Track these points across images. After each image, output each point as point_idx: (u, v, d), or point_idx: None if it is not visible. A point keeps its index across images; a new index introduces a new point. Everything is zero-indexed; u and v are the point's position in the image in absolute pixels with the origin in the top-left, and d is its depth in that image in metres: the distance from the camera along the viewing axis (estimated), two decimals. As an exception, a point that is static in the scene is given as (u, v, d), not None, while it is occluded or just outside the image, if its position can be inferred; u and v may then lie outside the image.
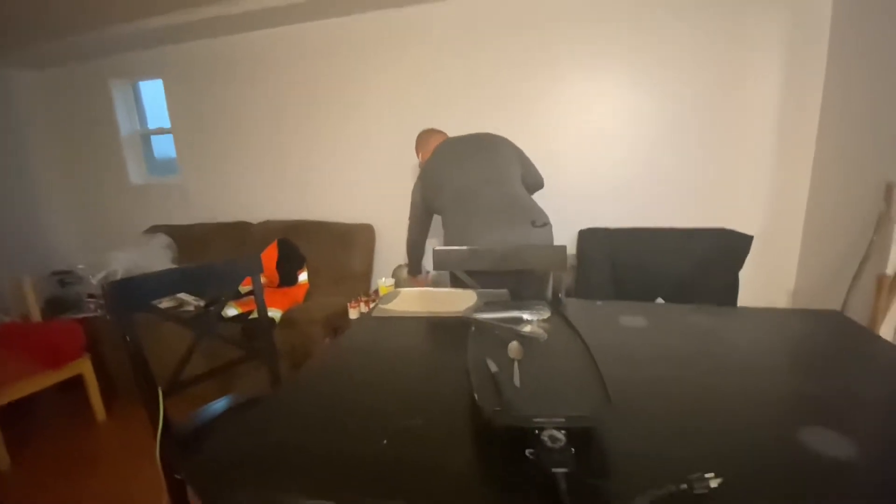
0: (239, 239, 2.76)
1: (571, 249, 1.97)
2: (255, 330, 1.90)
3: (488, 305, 1.10)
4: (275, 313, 2.03)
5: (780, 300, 2.15)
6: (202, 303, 2.29)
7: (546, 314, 1.01)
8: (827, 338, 0.99)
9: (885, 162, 1.58)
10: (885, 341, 1.00)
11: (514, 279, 1.53)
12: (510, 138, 1.83)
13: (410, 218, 1.95)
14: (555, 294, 1.40)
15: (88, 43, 2.73)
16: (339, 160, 2.72)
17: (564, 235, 1.80)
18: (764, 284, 2.08)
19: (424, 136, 2.04)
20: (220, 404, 1.33)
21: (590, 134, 2.25)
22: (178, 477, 1.08)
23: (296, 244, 2.47)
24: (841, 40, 1.87)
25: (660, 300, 1.44)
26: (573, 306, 1.24)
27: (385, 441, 0.63)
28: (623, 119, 2.21)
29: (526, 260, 1.45)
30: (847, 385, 0.77)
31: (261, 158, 2.89)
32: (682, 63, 2.08)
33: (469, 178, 1.72)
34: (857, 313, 1.61)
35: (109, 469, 1.81)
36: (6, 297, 2.30)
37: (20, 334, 2.00)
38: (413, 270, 2.14)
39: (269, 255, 2.39)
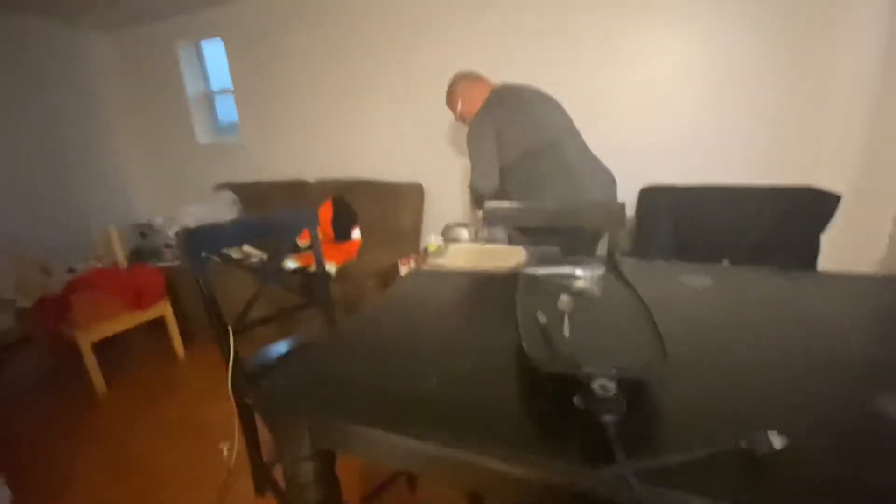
0: (297, 196, 2.87)
1: (630, 210, 1.87)
2: (313, 281, 2.01)
3: (540, 261, 1.08)
4: (330, 267, 2.12)
5: (870, 266, 1.94)
6: (265, 255, 2.43)
7: (600, 271, 0.98)
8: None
9: None
10: None
11: (567, 238, 1.48)
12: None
13: (479, 161, 1.71)
14: (611, 253, 1.35)
15: (155, 3, 2.84)
16: (390, 120, 2.72)
17: (623, 194, 1.71)
18: (849, 250, 1.87)
19: (467, 84, 1.83)
20: (282, 345, 1.44)
21: (654, 83, 2.07)
22: (248, 402, 1.19)
23: (349, 202, 2.54)
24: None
25: (725, 262, 1.34)
26: (630, 265, 1.19)
27: (434, 379, 0.65)
28: (690, 64, 1.99)
29: (581, 217, 1.40)
30: (944, 356, 0.69)
31: (317, 118, 2.94)
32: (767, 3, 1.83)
33: (547, 129, 1.65)
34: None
35: (188, 397, 2.03)
36: (97, 247, 2.56)
37: (110, 279, 2.24)
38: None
39: (325, 212, 2.47)
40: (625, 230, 1.41)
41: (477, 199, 1.83)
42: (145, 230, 3.00)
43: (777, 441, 0.48)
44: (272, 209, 2.85)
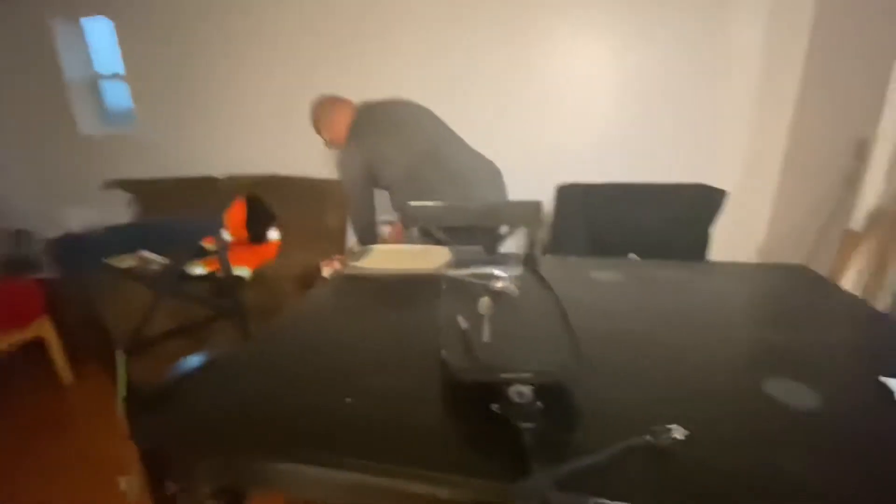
0: (205, 194, 2.62)
1: (549, 205, 1.95)
2: (223, 288, 1.85)
3: (461, 262, 1.07)
4: (243, 271, 1.96)
5: (750, 255, 2.20)
6: (167, 261, 2.20)
7: (518, 270, 0.99)
8: (792, 291, 1.01)
9: (858, 119, 1.58)
10: (848, 293, 1.02)
11: (488, 236, 1.50)
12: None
13: (353, 197, 1.77)
14: (529, 250, 1.39)
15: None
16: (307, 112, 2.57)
17: (542, 191, 1.77)
18: (735, 240, 2.12)
19: (325, 110, 1.80)
20: (191, 362, 1.30)
21: (569, 88, 2.17)
22: (134, 441, 1.06)
23: (264, 200, 2.37)
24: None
25: (633, 256, 1.44)
26: (547, 263, 1.22)
27: (348, 399, 0.61)
28: (603, 73, 2.13)
29: (500, 216, 1.42)
30: (811, 336, 0.79)
31: (227, 108, 2.70)
32: (664, 15, 1.99)
33: (422, 141, 1.64)
34: (823, 267, 1.66)
35: (79, 428, 1.78)
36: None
37: (-28, 295, 1.89)
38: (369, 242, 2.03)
39: (237, 212, 2.29)
40: (542, 227, 1.46)
41: (358, 234, 1.87)
42: (20, 237, 2.59)
43: (678, 433, 0.51)
44: (176, 209, 2.59)
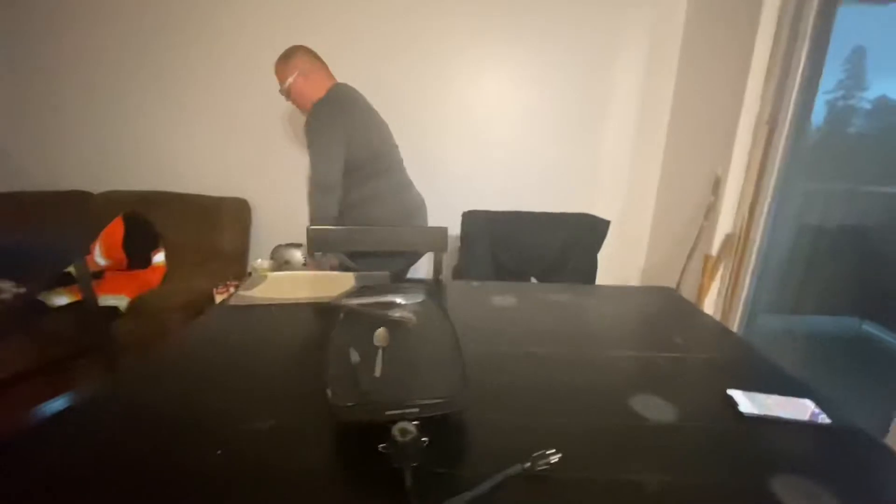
0: (76, 212, 2.29)
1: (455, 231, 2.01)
2: (92, 321, 1.61)
3: (362, 290, 1.05)
4: (119, 300, 1.73)
5: (633, 278, 2.46)
6: (23, 290, 1.87)
7: (420, 297, 0.99)
8: (659, 312, 1.13)
9: (715, 158, 1.86)
10: (706, 315, 1.18)
11: (403, 260, 1.50)
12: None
13: (322, 181, 1.48)
14: (435, 275, 1.40)
15: None
16: (206, 122, 2.39)
17: (450, 218, 1.82)
18: (620, 264, 2.36)
19: (310, 61, 1.59)
20: (49, 407, 1.10)
21: (472, 121, 2.29)
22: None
23: (148, 219, 2.13)
24: (690, 46, 2.13)
25: (533, 280, 1.53)
26: (453, 288, 1.25)
27: (219, 451, 0.55)
28: (503, 108, 2.29)
29: (407, 241, 1.42)
30: (671, 354, 0.88)
31: (103, 115, 2.40)
32: (557, 59, 2.20)
33: (387, 142, 1.62)
34: (689, 290, 1.90)
35: None
36: None
37: None
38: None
39: (114, 232, 2.03)
40: (446, 253, 1.49)
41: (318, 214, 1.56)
42: None
43: (553, 457, 0.54)
44: (37, 229, 2.22)
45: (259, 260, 2.12)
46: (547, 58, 2.20)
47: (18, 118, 2.44)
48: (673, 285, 1.94)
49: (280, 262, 2.17)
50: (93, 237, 2.04)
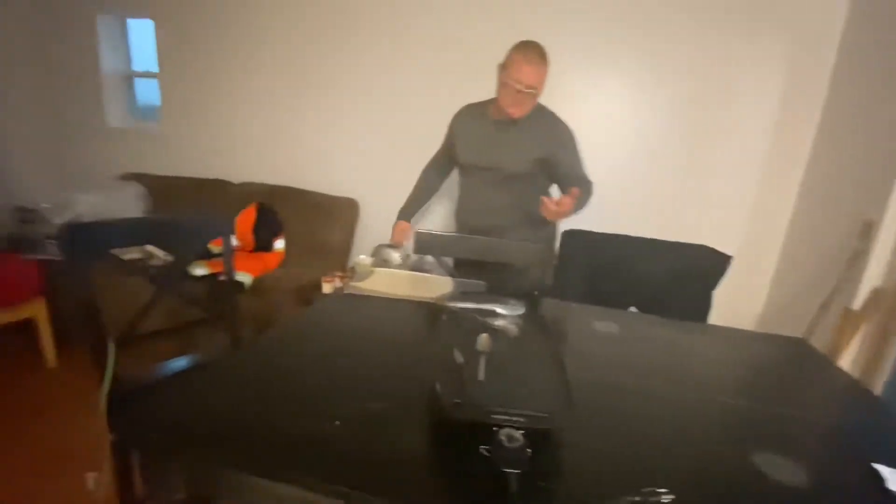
0: (217, 197, 2.66)
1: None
2: (221, 292, 1.85)
3: (463, 295, 1.08)
4: (245, 277, 1.97)
5: (747, 322, 2.20)
6: (171, 258, 2.21)
7: (520, 310, 0.99)
8: (789, 364, 1.00)
9: (866, 200, 1.61)
10: (845, 373, 1.02)
11: (496, 272, 1.51)
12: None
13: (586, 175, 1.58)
14: (531, 292, 1.39)
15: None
16: (329, 128, 2.63)
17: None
18: (733, 305, 2.12)
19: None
20: (175, 364, 1.29)
21: (583, 138, 2.23)
22: (113, 436, 1.04)
23: (275, 210, 2.40)
24: (844, 75, 1.88)
25: (633, 308, 1.45)
26: (549, 306, 1.23)
27: (338, 422, 0.60)
28: (617, 126, 2.19)
29: (509, 254, 1.43)
30: (804, 412, 0.78)
31: (249, 116, 2.77)
32: (678, 73, 2.06)
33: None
34: (820, 343, 1.65)
35: (55, 416, 1.74)
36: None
37: (-29, 268, 1.90)
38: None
39: (247, 218, 2.31)
40: (549, 271, 1.47)
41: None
42: (27, 215, 2.60)
43: (666, 498, 0.51)
44: (185, 209, 2.61)
45: (362, 256, 2.26)
46: (669, 77, 2.08)
47: (184, 115, 2.91)
48: (798, 336, 1.70)
49: (379, 261, 2.30)
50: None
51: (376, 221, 2.64)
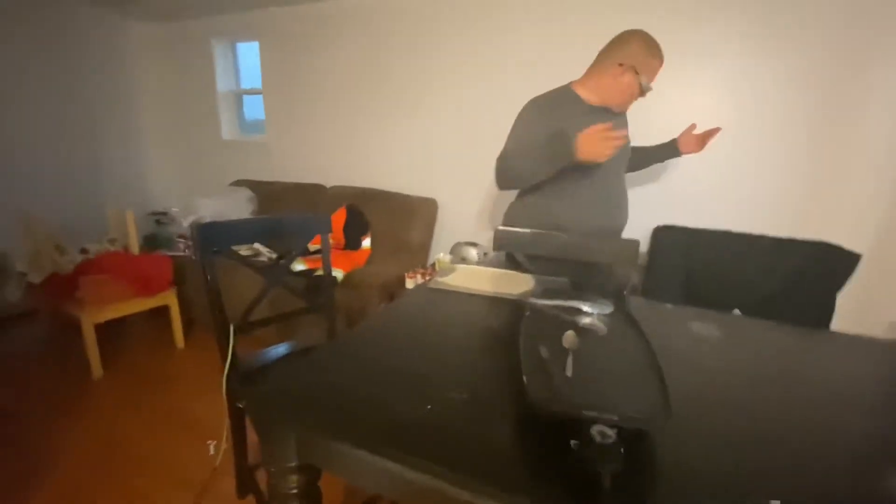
0: (312, 199, 2.89)
1: (643, 247, 1.85)
2: (318, 285, 2.01)
3: (546, 292, 1.07)
4: (338, 273, 2.12)
5: (880, 331, 1.89)
6: (275, 255, 2.45)
7: (608, 309, 0.96)
8: (938, 380, 0.86)
9: None
10: None
11: (577, 269, 1.47)
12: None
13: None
14: (619, 290, 1.33)
15: (196, 1, 2.94)
16: (410, 133, 2.75)
17: (638, 231, 1.69)
18: (862, 310, 1.84)
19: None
20: (281, 348, 1.43)
21: (677, 123, 2.07)
22: (239, 405, 1.18)
23: (362, 211, 2.55)
24: None
25: (737, 311, 1.32)
26: (638, 305, 1.17)
27: (429, 406, 0.64)
28: (717, 110, 1.99)
29: (593, 251, 1.39)
30: (959, 436, 0.66)
31: (340, 125, 2.99)
32: (791, 50, 1.83)
33: None
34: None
35: (182, 390, 2.02)
36: (111, 229, 2.60)
37: (121, 263, 2.26)
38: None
39: (338, 218, 2.49)
40: (637, 268, 1.39)
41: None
42: (161, 218, 3.05)
43: (778, 511, 0.47)
44: (286, 210, 2.88)
45: (441, 254, 2.33)
46: (776, 47, 1.84)
47: (283, 125, 3.20)
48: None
49: (458, 258, 2.35)
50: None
51: (454, 220, 2.70)
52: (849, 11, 1.73)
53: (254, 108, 3.53)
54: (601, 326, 0.87)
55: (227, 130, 3.51)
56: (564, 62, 2.21)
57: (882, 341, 1.01)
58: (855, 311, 1.80)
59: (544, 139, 1.32)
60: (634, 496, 0.49)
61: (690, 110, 2.01)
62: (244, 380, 1.21)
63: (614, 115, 1.46)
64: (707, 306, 1.34)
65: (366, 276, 2.16)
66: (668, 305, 1.11)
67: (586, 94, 1.43)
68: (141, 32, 3.46)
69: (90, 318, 2.02)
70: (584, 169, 1.33)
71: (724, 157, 1.98)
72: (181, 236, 2.71)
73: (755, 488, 0.49)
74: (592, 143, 1.18)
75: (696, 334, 0.96)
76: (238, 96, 3.54)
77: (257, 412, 0.67)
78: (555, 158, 1.27)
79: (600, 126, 1.18)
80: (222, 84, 3.42)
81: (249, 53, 3.34)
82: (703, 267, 1.36)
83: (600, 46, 1.42)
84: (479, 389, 0.70)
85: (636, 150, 1.57)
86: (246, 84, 3.49)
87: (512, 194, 1.62)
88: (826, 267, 1.26)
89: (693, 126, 1.37)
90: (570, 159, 1.23)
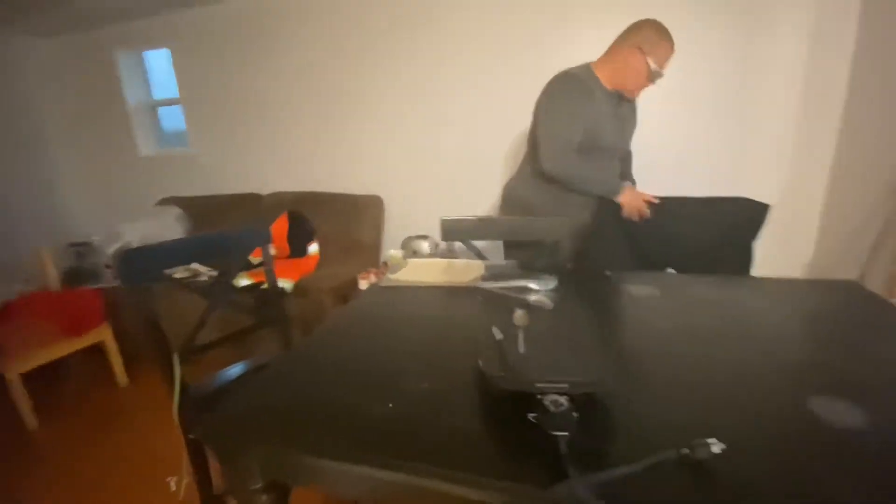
0: (250, 210, 2.77)
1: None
2: (267, 299, 1.94)
3: (496, 276, 1.09)
4: (286, 283, 2.05)
5: (797, 272, 2.11)
6: (215, 273, 2.33)
7: (553, 284, 1.00)
8: (842, 308, 0.97)
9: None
10: (903, 311, 0.98)
11: (530, 249, 1.51)
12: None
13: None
14: (563, 264, 1.39)
15: (94, 10, 2.69)
16: (347, 131, 2.69)
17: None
18: (780, 255, 2.03)
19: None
20: (236, 369, 1.37)
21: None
22: (192, 436, 1.13)
23: (306, 215, 2.48)
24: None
25: (670, 270, 1.42)
26: (583, 276, 1.23)
27: (391, 404, 0.64)
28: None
29: (534, 231, 1.43)
30: (861, 355, 0.76)
31: (271, 129, 2.86)
32: (707, 22, 1.96)
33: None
34: (875, 285, 1.57)
35: (133, 428, 1.89)
36: (27, 268, 2.36)
37: (42, 303, 2.07)
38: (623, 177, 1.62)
39: (280, 227, 2.40)
40: (574, 241, 1.46)
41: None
42: (82, 249, 2.80)
43: (716, 447, 0.51)
44: (223, 225, 2.74)
45: (392, 250, 2.32)
46: (694, 20, 1.96)
47: (209, 136, 3.03)
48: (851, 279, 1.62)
49: (410, 252, 2.35)
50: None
51: (402, 216, 2.69)
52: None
53: (173, 119, 3.30)
54: (548, 301, 0.90)
55: (145, 146, 3.27)
56: (500, 53, 2.26)
57: (798, 280, 1.13)
58: (775, 257, 1.99)
59: (593, 170, 1.47)
60: (592, 453, 0.53)
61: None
62: (198, 408, 1.15)
63: (626, 101, 1.54)
64: (648, 268, 1.43)
65: (317, 282, 2.11)
66: (609, 272, 1.17)
67: (603, 78, 1.48)
68: (32, 48, 3.12)
69: (14, 369, 1.84)
70: (590, 149, 1.46)
71: (654, 128, 2.10)
72: (108, 266, 2.52)
73: (699, 431, 0.54)
74: (636, 203, 1.42)
75: (636, 296, 1.02)
76: (153, 108, 3.29)
77: (213, 440, 0.64)
78: (599, 195, 1.47)
79: (647, 195, 1.44)
80: (132, 97, 3.16)
81: (160, 61, 3.11)
82: (641, 231, 1.44)
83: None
84: (440, 378, 0.71)
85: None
86: (163, 94, 3.25)
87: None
88: (742, 219, 1.38)
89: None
90: (613, 205, 1.46)
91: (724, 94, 2.02)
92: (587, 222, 1.51)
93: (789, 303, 1.00)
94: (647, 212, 1.43)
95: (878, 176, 1.66)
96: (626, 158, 1.71)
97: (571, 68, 1.50)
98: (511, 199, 1.65)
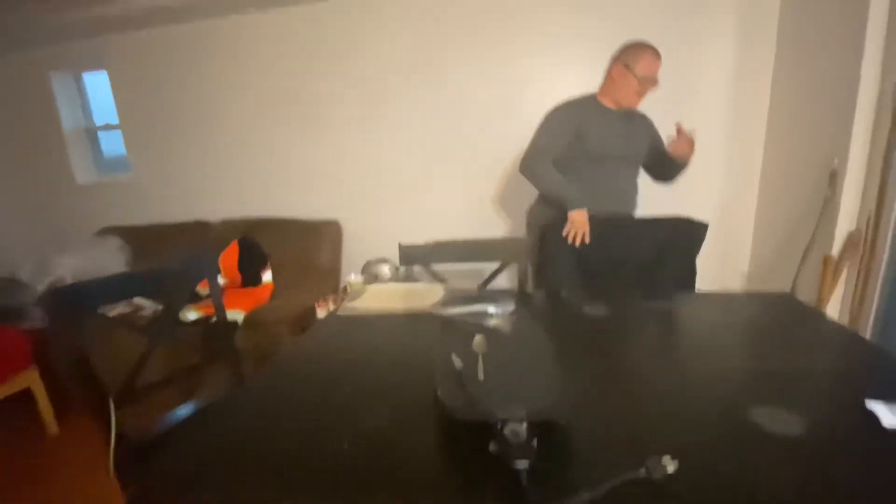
0: (198, 239, 2.64)
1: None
2: (215, 333, 1.84)
3: (455, 300, 1.09)
4: (237, 315, 1.96)
5: (735, 283, 2.25)
6: (160, 307, 2.19)
7: (511, 307, 1.01)
8: (777, 319, 1.03)
9: (829, 149, 1.66)
10: (831, 321, 1.06)
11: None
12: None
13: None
14: (520, 286, 1.41)
15: (27, 30, 2.54)
16: (299, 154, 2.65)
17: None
18: (720, 269, 2.17)
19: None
20: (182, 410, 1.28)
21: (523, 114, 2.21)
22: (128, 494, 1.03)
23: (258, 243, 2.39)
24: (789, 27, 1.95)
25: (620, 289, 1.48)
26: (538, 298, 1.25)
27: (346, 446, 0.61)
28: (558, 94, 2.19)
29: (490, 253, 1.45)
30: (795, 364, 0.81)
31: (218, 154, 2.77)
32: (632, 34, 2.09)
33: None
34: (806, 294, 1.70)
35: (63, 481, 1.71)
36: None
37: (-42, 348, 1.86)
38: (575, 202, 1.54)
39: (230, 255, 2.30)
40: (531, 263, 1.49)
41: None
42: (7, 285, 2.56)
43: (670, 465, 0.52)
44: (168, 254, 2.59)
45: (352, 275, 2.27)
46: (628, 25, 2.08)
47: (152, 162, 2.89)
48: (785, 290, 1.75)
49: (371, 276, 2.31)
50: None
51: (360, 240, 2.65)
52: (675, 18, 2.04)
53: (114, 144, 3.12)
54: (506, 326, 0.91)
55: (82, 173, 3.07)
56: (457, 74, 2.30)
57: (736, 294, 1.20)
58: (716, 271, 2.12)
59: (560, 179, 1.57)
60: (552, 480, 0.52)
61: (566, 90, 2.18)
62: (138, 458, 1.06)
63: (637, 117, 1.68)
64: (599, 287, 1.48)
65: (271, 312, 2.03)
66: (563, 292, 1.20)
67: (606, 101, 1.63)
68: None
69: (-80, 424, 1.63)
70: (598, 163, 1.61)
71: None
72: (37, 304, 2.31)
73: (653, 448, 0.55)
74: (580, 221, 1.49)
75: (588, 315, 1.05)
76: (91, 133, 3.11)
77: (151, 496, 0.59)
78: (558, 199, 1.55)
79: (585, 224, 1.50)
80: (69, 121, 2.98)
81: (99, 85, 2.96)
82: (590, 252, 1.49)
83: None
84: (399, 411, 0.69)
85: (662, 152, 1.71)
86: (106, 119, 3.07)
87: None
88: (684, 237, 1.46)
89: (679, 129, 1.55)
90: (560, 226, 1.53)
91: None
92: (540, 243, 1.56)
93: (729, 316, 1.06)
94: (587, 237, 1.49)
95: (804, 190, 1.82)
96: (652, 163, 1.77)
97: (574, 97, 1.67)
98: (532, 223, 1.76)
